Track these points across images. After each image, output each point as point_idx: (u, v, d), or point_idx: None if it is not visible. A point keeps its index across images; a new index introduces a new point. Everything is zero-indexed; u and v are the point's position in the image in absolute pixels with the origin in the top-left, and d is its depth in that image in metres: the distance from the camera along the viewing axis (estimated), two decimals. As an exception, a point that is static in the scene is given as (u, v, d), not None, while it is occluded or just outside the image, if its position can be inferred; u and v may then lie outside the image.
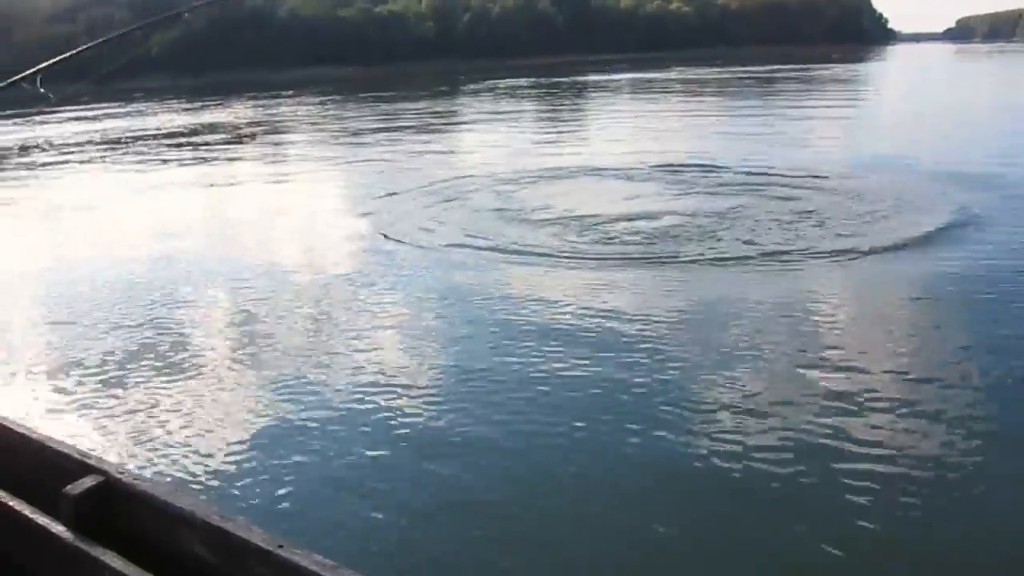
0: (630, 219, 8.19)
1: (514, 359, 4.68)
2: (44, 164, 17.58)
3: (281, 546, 1.60)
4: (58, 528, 1.80)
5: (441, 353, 4.90)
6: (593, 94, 32.65)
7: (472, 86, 40.02)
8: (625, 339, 4.93)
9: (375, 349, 5.03)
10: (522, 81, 42.06)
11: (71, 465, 1.94)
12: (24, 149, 20.47)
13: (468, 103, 30.81)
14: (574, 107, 27.64)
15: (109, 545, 1.72)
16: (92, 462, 1.95)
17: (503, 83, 40.59)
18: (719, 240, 7.22)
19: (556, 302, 5.72)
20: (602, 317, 5.34)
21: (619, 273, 6.42)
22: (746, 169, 10.74)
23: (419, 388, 4.41)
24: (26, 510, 1.88)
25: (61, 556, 1.77)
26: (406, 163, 13.52)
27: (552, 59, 69.10)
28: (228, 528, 1.66)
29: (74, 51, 2.44)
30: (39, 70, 2.41)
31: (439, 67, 66.19)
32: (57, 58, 2.71)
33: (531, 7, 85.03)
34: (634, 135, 16.64)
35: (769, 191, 9.23)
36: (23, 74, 2.57)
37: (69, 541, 1.76)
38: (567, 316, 5.41)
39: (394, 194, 10.28)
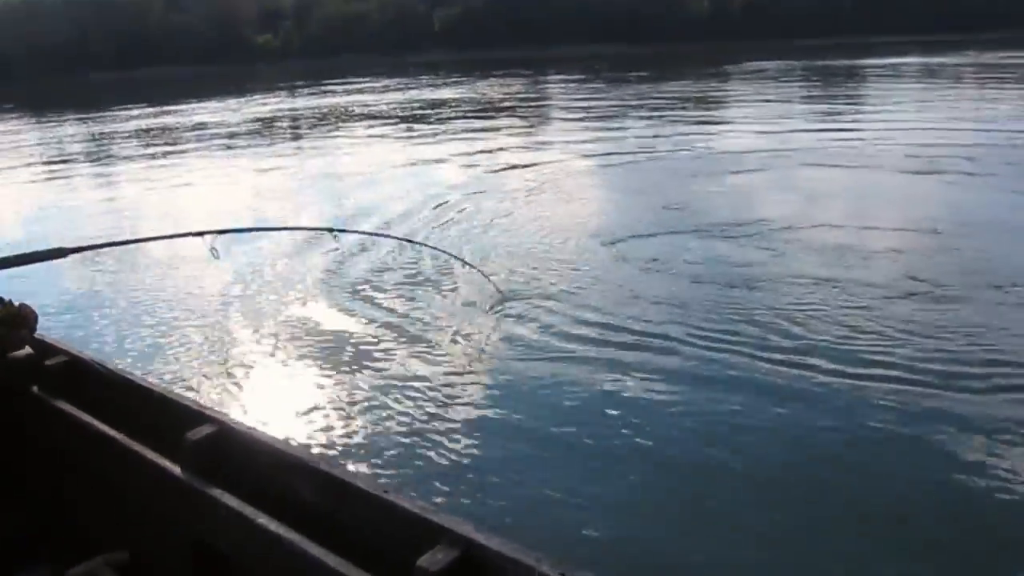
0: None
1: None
2: (316, 131, 19.09)
3: (387, 491, 1.66)
4: (177, 470, 1.96)
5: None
6: (871, 79, 29.78)
7: (737, 67, 38.13)
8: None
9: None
10: (792, 64, 39.46)
11: (190, 414, 2.08)
12: (308, 118, 22.33)
13: (731, 86, 29.27)
14: (848, 93, 25.30)
15: (225, 487, 1.86)
16: (209, 412, 2.08)
17: (772, 64, 38.32)
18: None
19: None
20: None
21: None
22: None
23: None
24: (148, 453, 2.06)
25: (180, 495, 1.94)
26: (647, 145, 13.09)
27: (834, 40, 64.50)
28: (335, 473, 1.75)
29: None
30: (210, 232, 3.03)
31: (710, 47, 64.18)
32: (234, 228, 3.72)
33: (816, -16, 79.86)
34: (916, 123, 14.55)
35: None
36: (190, 232, 3.15)
37: (187, 481, 1.92)
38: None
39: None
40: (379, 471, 3.54)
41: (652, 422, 3.87)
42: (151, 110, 29.01)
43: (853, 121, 15.48)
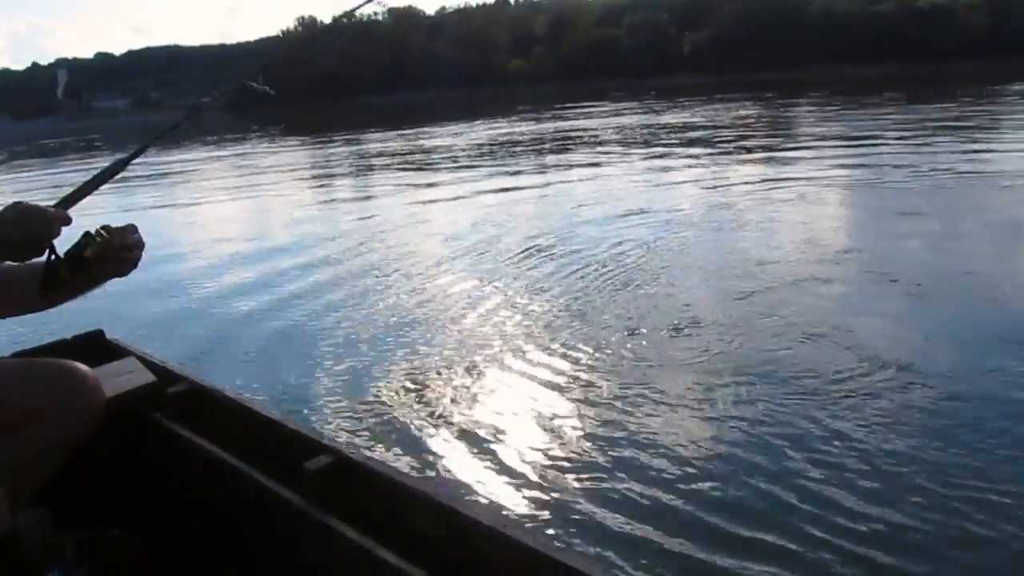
0: None
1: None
2: (564, 151, 19.57)
3: (506, 526, 1.62)
4: (296, 500, 1.95)
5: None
6: None
7: (1017, 87, 34.23)
8: None
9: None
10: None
11: (309, 444, 2.08)
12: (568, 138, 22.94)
13: (1007, 108, 26.28)
14: None
15: (343, 519, 1.84)
16: (326, 441, 2.07)
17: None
18: None
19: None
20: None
21: None
22: None
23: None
24: (266, 481, 2.04)
25: (298, 525, 1.93)
26: (894, 171, 12.10)
27: None
28: (457, 507, 1.71)
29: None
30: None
31: (988, 66, 58.10)
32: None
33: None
34: None
35: None
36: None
37: (307, 512, 1.90)
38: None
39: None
40: (504, 508, 3.42)
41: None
42: (406, 131, 31.11)
43: None
